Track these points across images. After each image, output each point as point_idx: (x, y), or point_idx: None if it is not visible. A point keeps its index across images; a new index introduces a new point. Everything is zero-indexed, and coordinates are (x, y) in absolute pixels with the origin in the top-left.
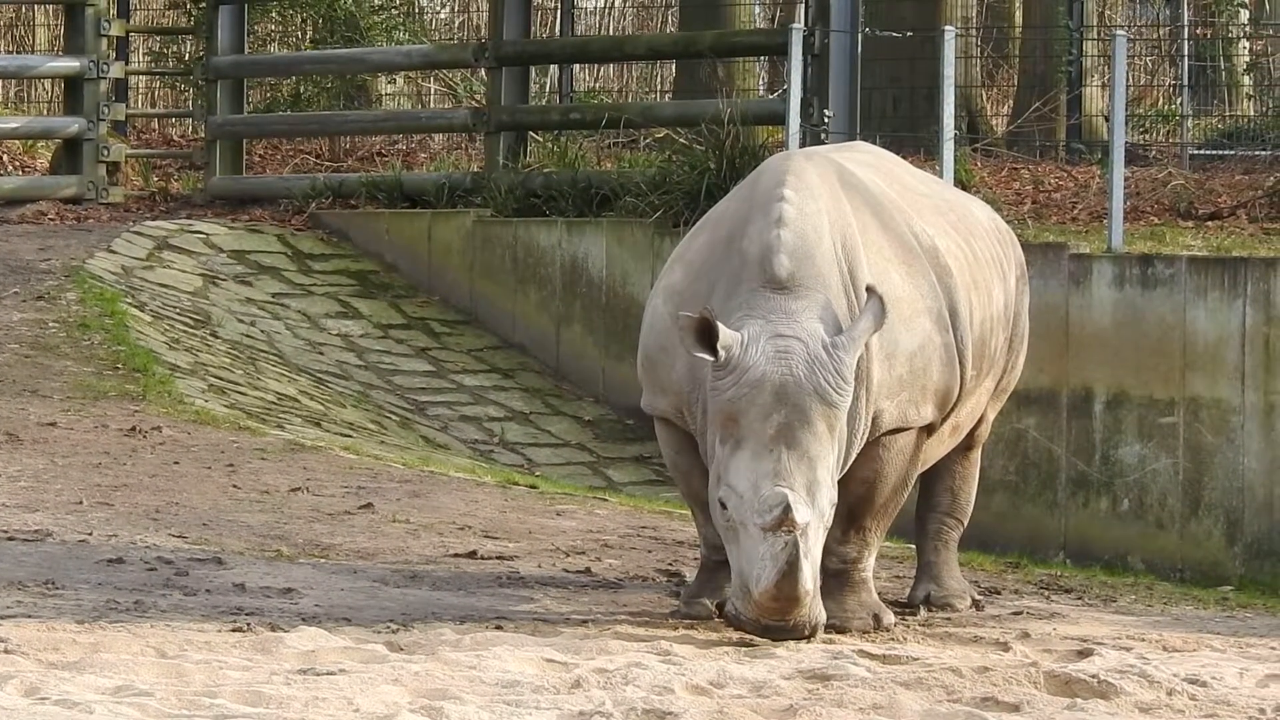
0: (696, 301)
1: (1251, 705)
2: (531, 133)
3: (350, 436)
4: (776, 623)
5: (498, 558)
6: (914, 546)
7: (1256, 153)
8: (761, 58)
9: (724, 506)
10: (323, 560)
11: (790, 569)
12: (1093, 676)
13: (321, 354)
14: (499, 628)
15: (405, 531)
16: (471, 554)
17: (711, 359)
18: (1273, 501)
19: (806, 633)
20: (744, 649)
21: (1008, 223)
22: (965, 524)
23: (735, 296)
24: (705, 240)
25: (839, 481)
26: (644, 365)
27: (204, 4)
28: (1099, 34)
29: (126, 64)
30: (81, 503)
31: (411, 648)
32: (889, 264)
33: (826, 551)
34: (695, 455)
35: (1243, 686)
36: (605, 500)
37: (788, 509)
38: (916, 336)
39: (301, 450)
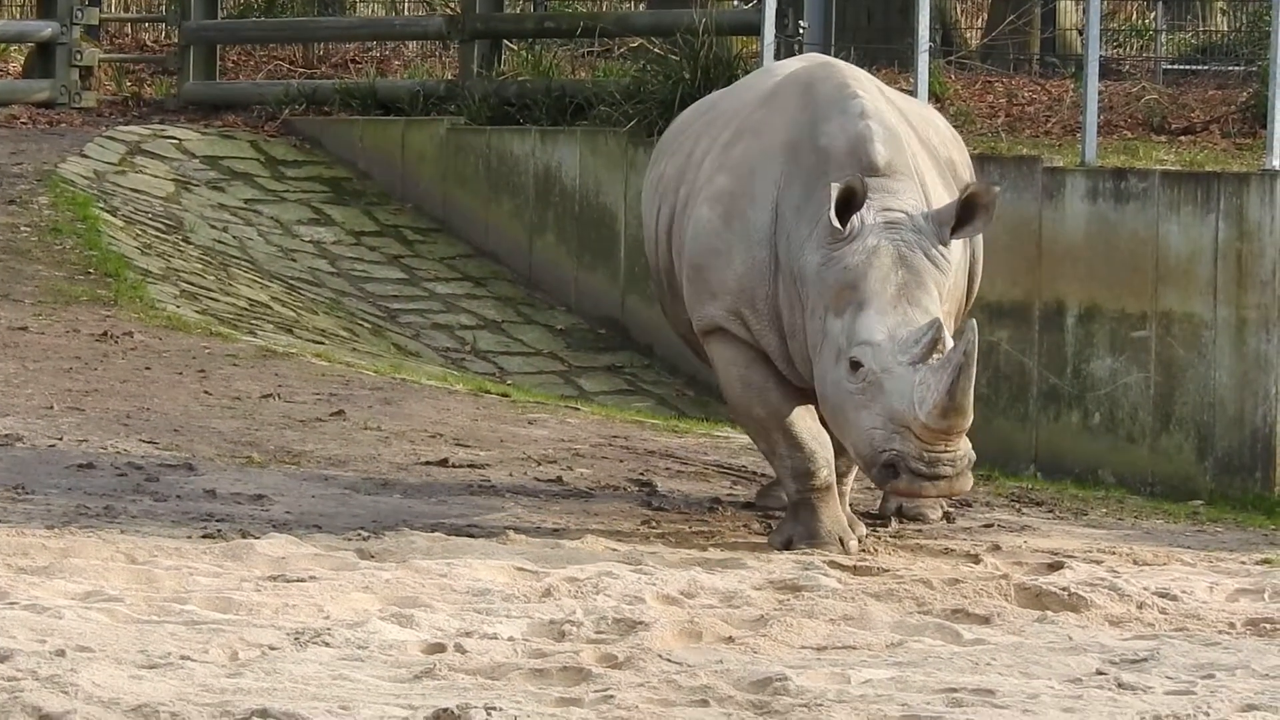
0: (753, 203)
1: (1221, 619)
2: (506, 41)
3: (322, 343)
4: (944, 451)
5: (469, 466)
6: None
7: (1230, 68)
8: None
9: (856, 366)
10: (294, 467)
11: (960, 372)
12: (1063, 589)
13: (294, 260)
14: (470, 536)
15: (376, 439)
16: (443, 462)
17: (841, 229)
18: (1243, 416)
19: (965, 465)
20: (715, 560)
21: (981, 136)
22: None
23: (820, 190)
24: (750, 146)
25: None
26: (692, 276)
27: None
28: None
29: None
30: (52, 407)
31: (382, 555)
32: (927, 172)
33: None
34: (769, 367)
35: (1212, 600)
36: (577, 409)
37: (940, 330)
38: (956, 249)
39: (273, 357)
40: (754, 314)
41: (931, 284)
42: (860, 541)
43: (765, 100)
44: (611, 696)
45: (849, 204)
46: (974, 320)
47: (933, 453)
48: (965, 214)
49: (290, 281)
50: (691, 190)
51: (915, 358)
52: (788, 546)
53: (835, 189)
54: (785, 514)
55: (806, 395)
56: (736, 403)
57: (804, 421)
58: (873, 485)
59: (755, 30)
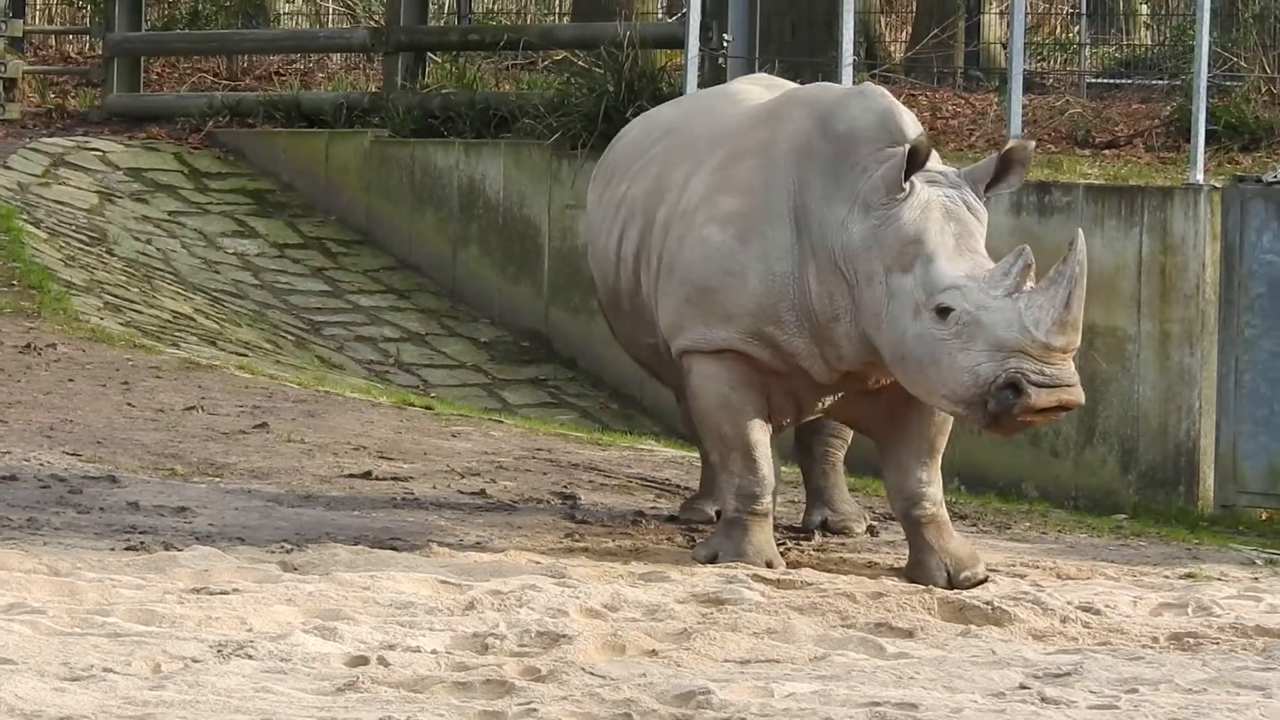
0: (770, 221)
1: (1144, 633)
2: (430, 53)
3: (245, 355)
4: (1063, 365)
5: (392, 478)
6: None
7: (1153, 81)
8: None
9: (945, 312)
10: (217, 479)
11: (1076, 285)
12: (987, 603)
13: (217, 272)
14: (393, 549)
15: (300, 451)
16: (366, 474)
17: (903, 188)
18: (1167, 430)
19: (1078, 393)
20: (639, 573)
21: None
22: (848, 442)
23: (848, 171)
24: (756, 165)
25: (915, 419)
26: (698, 299)
27: None
28: None
29: None
30: None
31: (305, 568)
32: None
33: (916, 500)
34: (753, 393)
35: (1136, 615)
36: (500, 422)
37: (1029, 256)
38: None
39: (197, 369)
40: (779, 327)
41: (978, 234)
42: (783, 570)
43: (766, 121)
44: (534, 710)
45: (913, 163)
46: (1081, 230)
47: (1053, 367)
48: (1001, 170)
49: (214, 294)
50: (675, 212)
51: (1010, 289)
52: (712, 560)
53: (905, 149)
54: (716, 529)
55: (793, 417)
56: (706, 416)
57: (764, 447)
58: (979, 428)
59: (679, 43)
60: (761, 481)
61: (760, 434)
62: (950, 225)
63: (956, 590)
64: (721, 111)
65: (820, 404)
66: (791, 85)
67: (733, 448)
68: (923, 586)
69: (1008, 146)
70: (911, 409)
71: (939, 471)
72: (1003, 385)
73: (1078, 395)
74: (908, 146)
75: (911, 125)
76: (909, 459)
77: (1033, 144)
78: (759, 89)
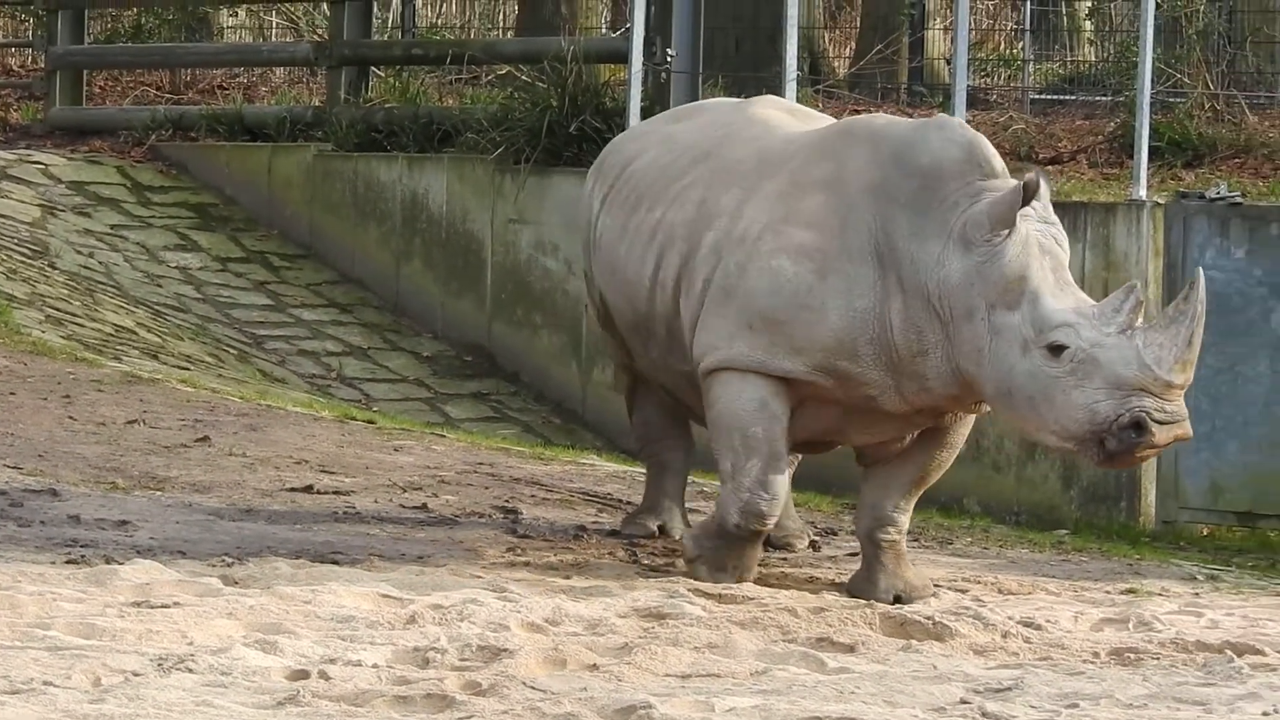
0: (847, 253)
1: (1085, 649)
2: (374, 68)
3: (187, 369)
4: (1179, 402)
5: (334, 492)
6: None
7: (1097, 98)
8: None
9: (1058, 350)
10: (158, 493)
11: (1196, 323)
12: (928, 618)
13: (160, 286)
14: (334, 563)
15: (242, 465)
16: (308, 488)
17: (1009, 227)
18: None
19: (1189, 428)
20: (580, 588)
21: None
22: (798, 460)
23: (937, 207)
24: (823, 199)
25: (920, 452)
26: (764, 329)
27: None
28: None
29: None
30: None
31: (246, 581)
32: None
33: (884, 523)
34: (787, 406)
35: (1077, 630)
36: (443, 436)
37: (1139, 292)
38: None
39: (138, 382)
40: (854, 362)
41: (1065, 267)
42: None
43: (827, 154)
44: None
45: (1026, 200)
46: (1200, 268)
47: (1172, 404)
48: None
49: (156, 307)
50: (730, 238)
51: (1123, 325)
52: (693, 562)
53: (1022, 184)
54: (714, 538)
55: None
56: (736, 417)
57: (785, 466)
58: (1094, 463)
59: (623, 58)
60: (774, 500)
61: (785, 448)
62: (1047, 260)
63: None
64: (761, 138)
65: (876, 433)
66: (815, 113)
67: (756, 453)
68: (864, 601)
69: (1025, 179)
70: (921, 442)
71: (913, 504)
72: (1126, 425)
73: (1189, 429)
74: (1021, 182)
75: (997, 156)
76: (896, 483)
77: (1041, 173)
78: (781, 113)
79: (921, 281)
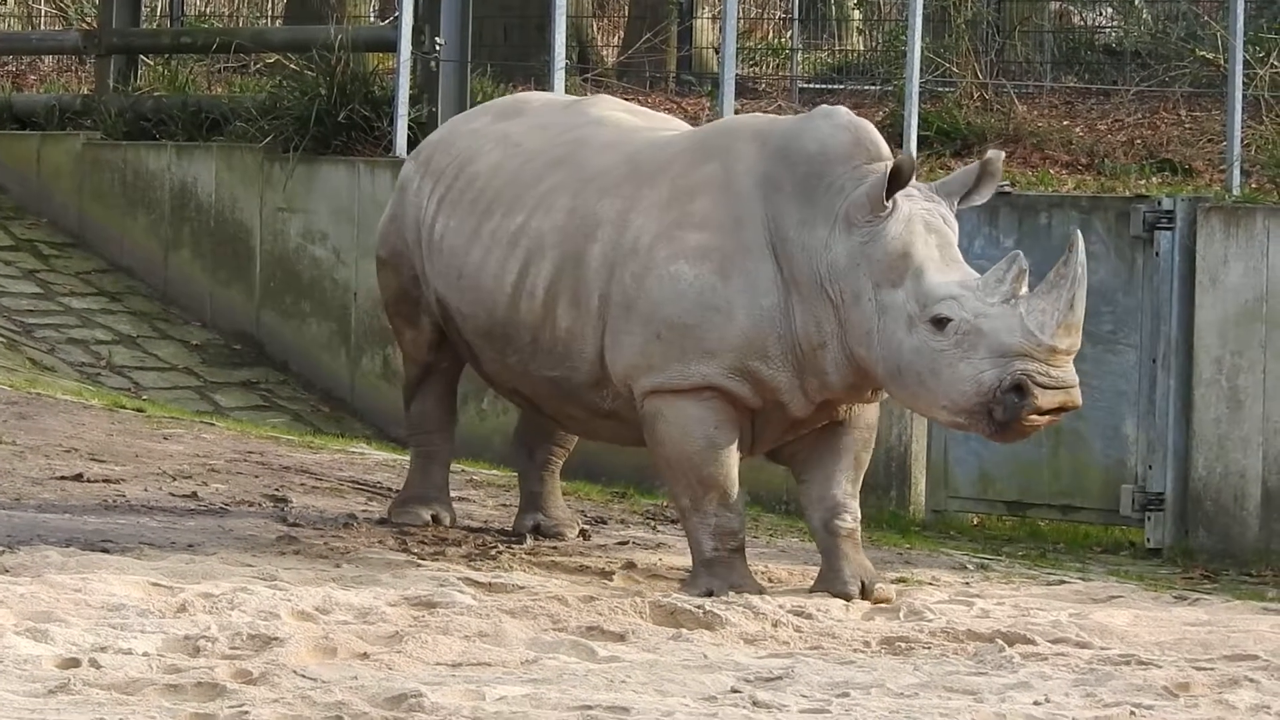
0: (750, 254)
1: (856, 638)
2: (143, 56)
3: None
4: (1066, 367)
5: (104, 481)
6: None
7: (866, 87)
8: None
9: (942, 323)
10: None
11: (1076, 286)
12: (698, 607)
13: None
14: (105, 551)
15: (11, 453)
16: (78, 477)
17: (887, 205)
18: (879, 435)
19: (1079, 394)
20: (350, 576)
21: None
22: (570, 450)
23: (823, 192)
24: (713, 200)
25: (845, 437)
26: (672, 336)
27: None
28: None
29: None
30: None
31: (16, 570)
32: None
33: (838, 511)
34: (734, 431)
35: (848, 619)
36: (212, 425)
37: (1023, 261)
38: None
39: None
40: (766, 361)
41: (954, 245)
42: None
43: (707, 155)
44: (246, 713)
45: (897, 181)
46: (1078, 229)
47: (1058, 369)
48: (978, 182)
49: None
50: (619, 251)
51: (1007, 295)
52: (708, 596)
53: (888, 167)
54: (696, 571)
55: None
56: (686, 459)
57: (736, 485)
58: (986, 435)
59: (392, 47)
60: (739, 517)
61: (736, 471)
62: (932, 237)
63: (864, 599)
64: (622, 143)
65: (781, 438)
66: (652, 111)
67: (712, 489)
68: (635, 591)
69: (985, 158)
70: (841, 429)
71: (859, 488)
72: (1008, 388)
73: (1079, 396)
74: (890, 163)
75: (882, 141)
76: (837, 471)
77: (1002, 154)
78: (624, 114)
79: (814, 268)
